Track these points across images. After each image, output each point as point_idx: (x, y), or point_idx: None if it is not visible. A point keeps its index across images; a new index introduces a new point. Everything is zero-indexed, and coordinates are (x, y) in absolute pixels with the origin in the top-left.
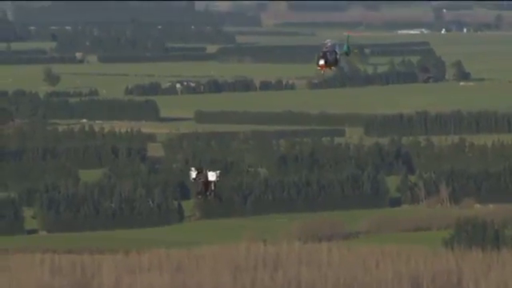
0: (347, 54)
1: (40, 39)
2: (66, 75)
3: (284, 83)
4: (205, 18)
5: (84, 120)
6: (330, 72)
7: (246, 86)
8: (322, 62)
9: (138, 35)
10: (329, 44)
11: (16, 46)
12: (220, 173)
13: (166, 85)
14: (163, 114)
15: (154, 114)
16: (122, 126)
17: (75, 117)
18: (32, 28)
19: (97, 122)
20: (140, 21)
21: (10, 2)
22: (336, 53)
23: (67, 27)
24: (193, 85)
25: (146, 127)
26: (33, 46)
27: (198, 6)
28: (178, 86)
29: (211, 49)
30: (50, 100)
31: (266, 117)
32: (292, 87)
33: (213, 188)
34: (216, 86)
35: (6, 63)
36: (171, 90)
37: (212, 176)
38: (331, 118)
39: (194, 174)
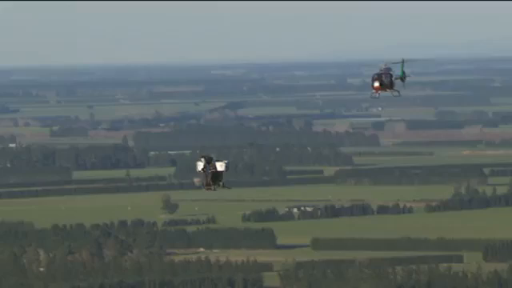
0: (402, 79)
1: (159, 165)
2: (184, 202)
3: (401, 206)
4: (322, 138)
5: (201, 249)
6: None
7: (363, 210)
8: (376, 84)
9: (256, 159)
10: (384, 67)
11: (135, 172)
12: (228, 162)
13: (283, 210)
14: (280, 241)
15: (270, 242)
16: (238, 255)
17: (192, 246)
18: (151, 153)
19: (214, 251)
20: (258, 143)
21: (131, 131)
22: (391, 75)
23: (186, 151)
24: (310, 210)
25: (263, 256)
26: (152, 173)
27: (316, 126)
28: (295, 211)
29: (328, 171)
30: (168, 229)
31: (382, 243)
32: (410, 211)
33: (221, 179)
34: (333, 211)
35: (126, 191)
36: (288, 216)
37: (221, 166)
38: (449, 244)
39: (201, 164)
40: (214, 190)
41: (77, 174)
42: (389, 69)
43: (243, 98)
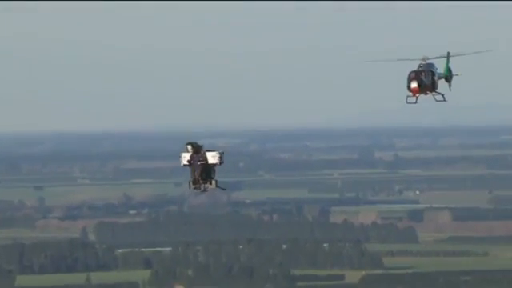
0: (447, 78)
1: (129, 267)
2: None
3: None
4: (343, 232)
5: None
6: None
7: None
8: (414, 84)
9: (256, 259)
10: (424, 63)
11: (98, 276)
12: (222, 153)
13: None
14: None
15: None
16: None
17: None
18: (119, 251)
19: None
20: (259, 239)
21: (92, 220)
22: (433, 73)
23: (165, 249)
24: None
25: None
26: (120, 277)
27: (334, 216)
28: None
29: (351, 276)
30: None
31: None
32: None
33: (213, 175)
34: None
35: None
36: None
37: (213, 157)
38: None
39: (188, 155)
40: (204, 190)
41: (21, 280)
42: (431, 65)
43: (239, 178)
